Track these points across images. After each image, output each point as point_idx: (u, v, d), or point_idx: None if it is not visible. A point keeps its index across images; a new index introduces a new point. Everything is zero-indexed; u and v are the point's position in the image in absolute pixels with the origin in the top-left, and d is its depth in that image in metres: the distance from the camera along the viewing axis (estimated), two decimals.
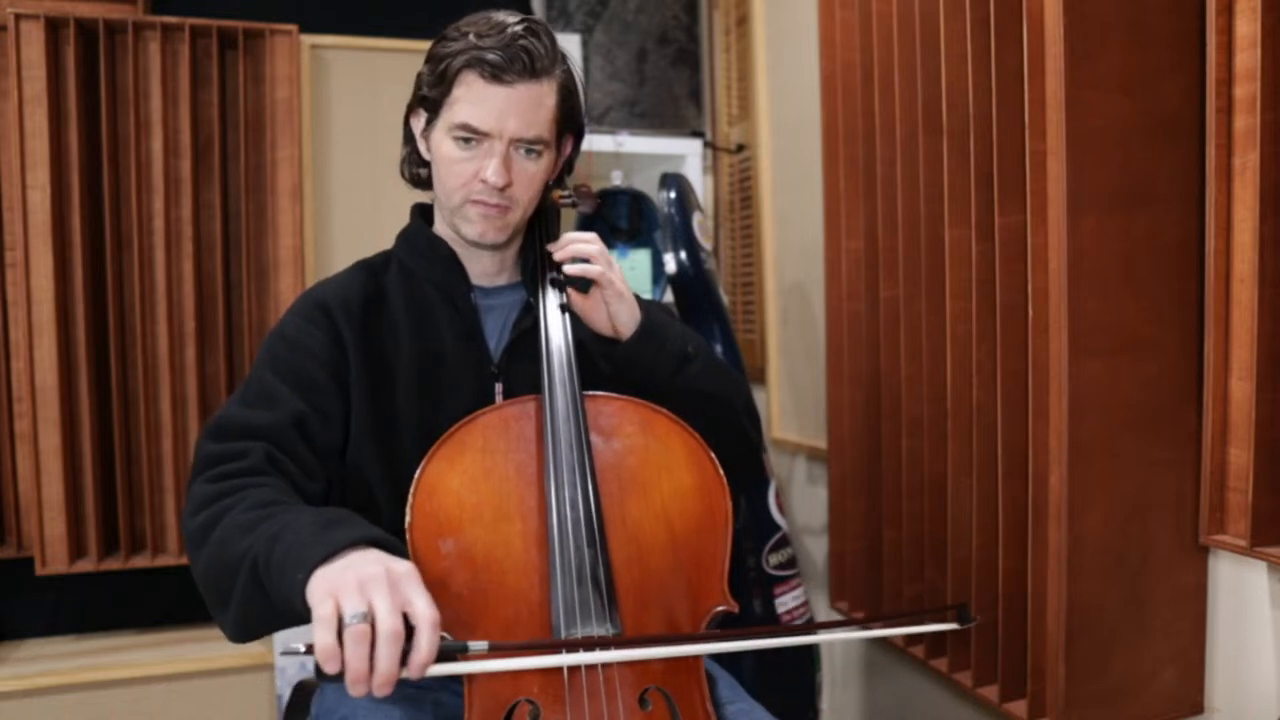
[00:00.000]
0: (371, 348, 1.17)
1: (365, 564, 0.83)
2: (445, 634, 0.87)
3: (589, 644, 0.96)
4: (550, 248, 1.19)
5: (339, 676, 0.78)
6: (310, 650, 0.78)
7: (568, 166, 1.28)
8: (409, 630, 0.80)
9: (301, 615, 0.84)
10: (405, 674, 0.80)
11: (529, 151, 1.14)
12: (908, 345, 1.70)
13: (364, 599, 0.79)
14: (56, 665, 2.25)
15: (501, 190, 1.13)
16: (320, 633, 0.78)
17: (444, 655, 0.82)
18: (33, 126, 2.18)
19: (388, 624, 0.78)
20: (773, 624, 2.03)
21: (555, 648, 0.97)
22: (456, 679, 1.09)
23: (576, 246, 1.16)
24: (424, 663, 0.80)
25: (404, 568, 0.84)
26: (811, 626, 1.09)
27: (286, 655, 0.81)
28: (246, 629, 0.97)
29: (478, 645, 0.85)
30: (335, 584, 0.80)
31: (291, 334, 1.16)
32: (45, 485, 2.23)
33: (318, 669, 0.78)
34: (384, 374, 1.17)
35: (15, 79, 2.17)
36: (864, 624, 1.09)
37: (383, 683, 0.78)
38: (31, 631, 2.42)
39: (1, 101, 2.25)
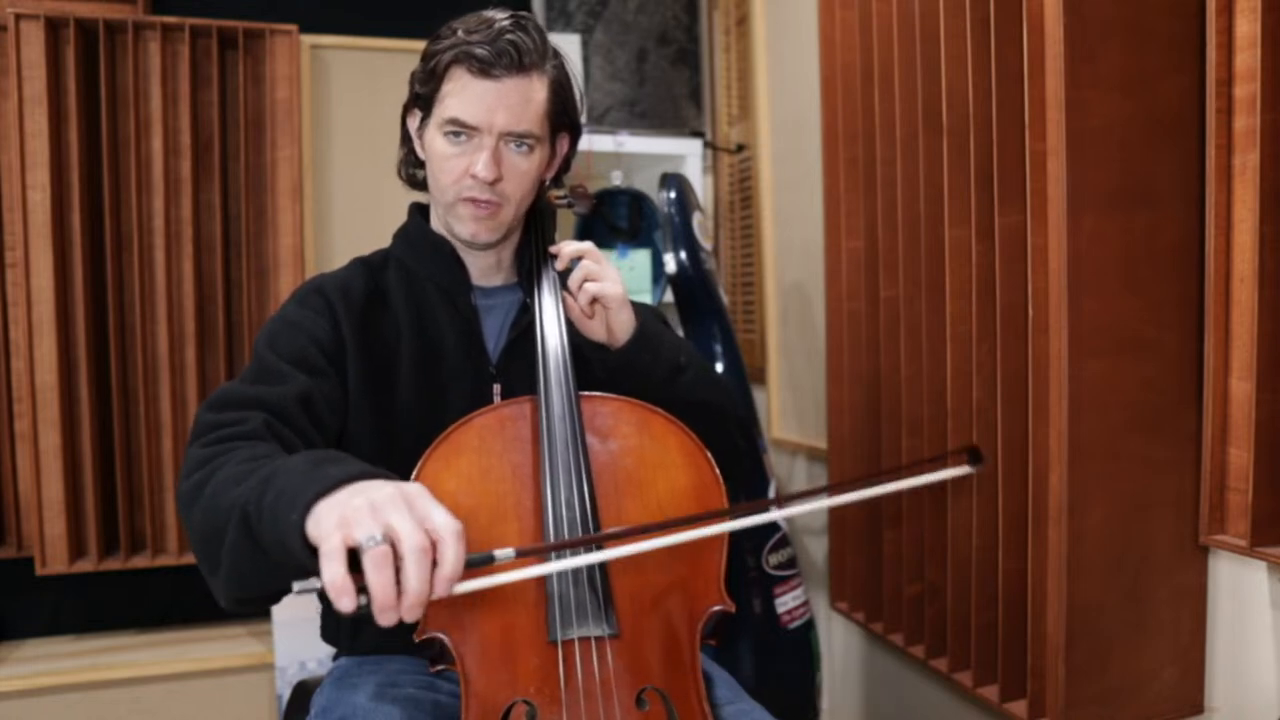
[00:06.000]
0: (372, 342, 1.17)
1: (373, 489, 0.77)
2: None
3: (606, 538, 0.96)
4: (571, 281, 1.16)
5: (362, 609, 0.72)
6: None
7: (565, 166, 1.28)
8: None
9: (300, 563, 0.78)
10: (433, 594, 0.74)
11: (519, 146, 1.14)
12: (908, 345, 1.70)
13: (379, 521, 0.73)
14: (56, 665, 2.25)
15: (492, 185, 1.13)
16: (328, 567, 0.71)
17: (469, 567, 0.76)
18: (33, 126, 2.19)
19: (414, 539, 0.72)
20: (773, 624, 2.03)
21: (586, 543, 0.95)
22: (454, 679, 1.09)
23: (589, 266, 1.15)
24: (451, 577, 0.74)
25: (415, 486, 0.78)
26: (807, 493, 1.04)
27: (302, 592, 0.73)
28: (240, 588, 0.88)
29: (504, 553, 0.79)
30: (343, 513, 0.74)
31: (293, 317, 1.15)
32: (45, 485, 2.23)
33: (358, 609, 0.72)
34: (384, 370, 1.16)
35: (15, 79, 2.17)
36: (866, 483, 1.04)
37: (414, 604, 0.72)
38: (31, 631, 2.43)
39: (1, 101, 2.26)
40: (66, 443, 2.24)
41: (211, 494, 0.89)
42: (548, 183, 1.25)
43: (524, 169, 1.15)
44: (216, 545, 0.87)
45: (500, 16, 1.12)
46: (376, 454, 1.14)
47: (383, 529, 0.73)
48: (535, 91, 1.13)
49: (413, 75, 1.17)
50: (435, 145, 1.14)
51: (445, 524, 0.75)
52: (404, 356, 1.17)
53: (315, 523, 0.76)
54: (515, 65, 1.10)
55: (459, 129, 1.12)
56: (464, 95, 1.10)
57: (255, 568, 0.86)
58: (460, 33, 1.11)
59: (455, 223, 1.17)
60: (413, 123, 1.20)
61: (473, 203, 1.14)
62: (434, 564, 0.74)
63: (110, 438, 2.32)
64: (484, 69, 1.09)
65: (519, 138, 1.13)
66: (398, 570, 0.73)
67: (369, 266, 1.24)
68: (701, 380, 1.22)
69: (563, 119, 1.19)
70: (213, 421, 1.00)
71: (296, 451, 0.98)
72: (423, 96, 1.15)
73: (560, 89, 1.17)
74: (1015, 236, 1.42)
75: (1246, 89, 1.18)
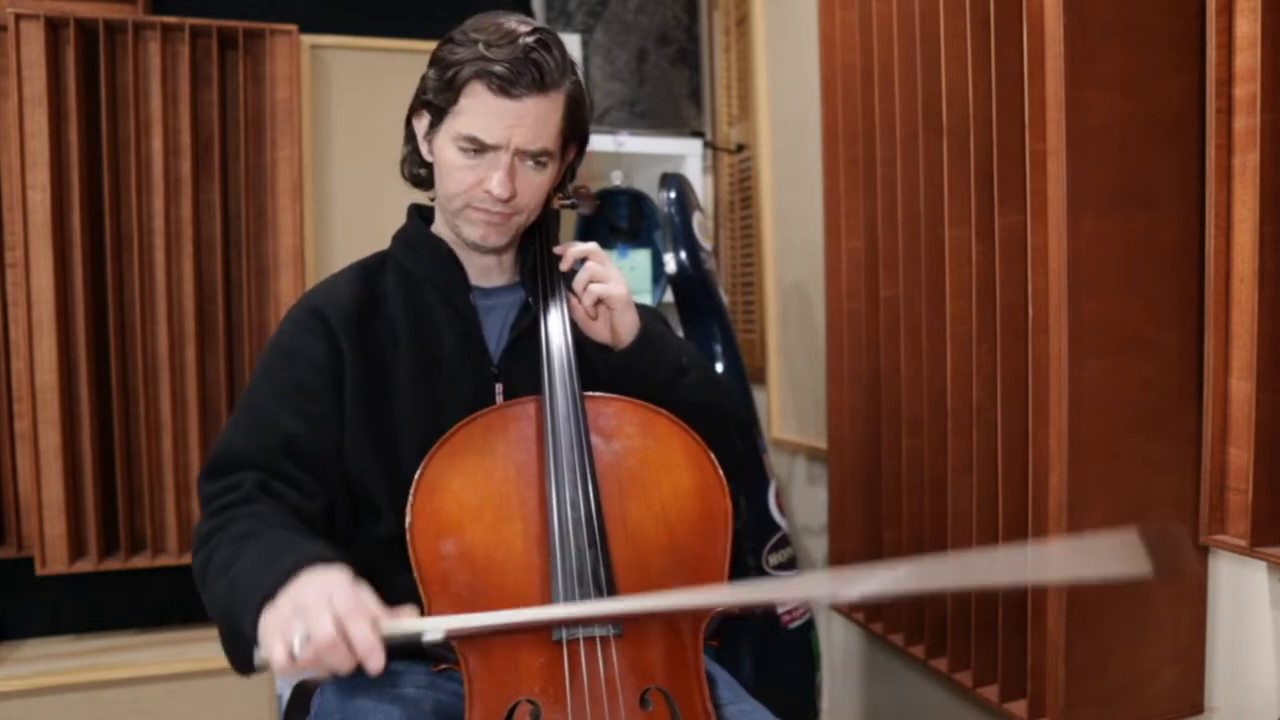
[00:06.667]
0: (370, 354, 1.17)
1: (301, 590, 0.90)
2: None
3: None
4: (576, 283, 1.17)
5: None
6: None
7: (570, 172, 1.27)
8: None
9: None
10: (361, 660, 0.87)
11: (534, 163, 1.13)
12: (908, 345, 1.70)
13: (304, 624, 0.86)
14: (56, 665, 2.25)
15: (505, 201, 1.13)
16: (279, 670, 0.87)
17: (398, 634, 0.89)
18: (33, 126, 2.18)
19: (322, 637, 0.85)
20: (774, 623, 2.04)
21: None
22: (457, 679, 1.09)
23: (594, 267, 1.16)
24: (363, 653, 0.86)
25: (334, 576, 0.91)
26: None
27: (262, 665, 0.93)
28: (244, 668, 1.00)
29: (433, 624, 0.93)
30: (278, 624, 0.88)
31: (289, 344, 1.17)
32: (45, 485, 2.23)
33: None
34: (382, 380, 1.17)
35: (15, 79, 2.17)
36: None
37: (347, 670, 0.87)
38: (31, 631, 2.42)
39: (1, 101, 2.25)
40: (66, 443, 2.24)
41: (210, 584, 1.02)
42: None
43: (538, 183, 1.15)
44: (219, 628, 1.03)
45: (522, 30, 1.09)
46: (378, 458, 1.14)
47: (306, 631, 0.86)
48: (553, 110, 1.11)
49: (425, 79, 1.14)
50: (446, 154, 1.13)
51: (346, 611, 0.87)
52: (403, 360, 1.17)
53: (263, 636, 0.90)
54: (537, 85, 1.08)
55: (475, 146, 1.10)
56: (482, 113, 1.08)
57: (246, 651, 0.96)
58: (481, 45, 1.07)
59: (465, 226, 1.17)
60: (420, 125, 1.18)
61: (484, 211, 1.14)
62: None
63: (110, 438, 2.31)
64: (505, 88, 1.07)
65: (535, 155, 1.12)
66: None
67: (366, 270, 1.23)
68: (703, 382, 1.23)
69: (575, 132, 1.18)
70: (211, 492, 1.09)
71: (293, 500, 1.10)
72: (435, 105, 1.12)
73: (575, 105, 1.15)
74: (1015, 236, 1.42)
75: (1246, 89, 1.19)
